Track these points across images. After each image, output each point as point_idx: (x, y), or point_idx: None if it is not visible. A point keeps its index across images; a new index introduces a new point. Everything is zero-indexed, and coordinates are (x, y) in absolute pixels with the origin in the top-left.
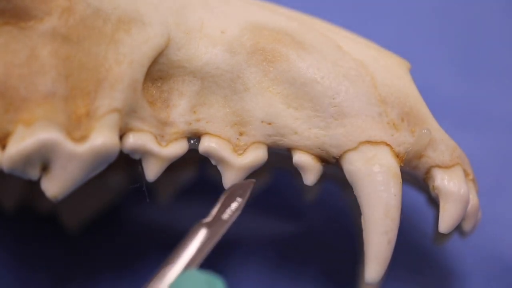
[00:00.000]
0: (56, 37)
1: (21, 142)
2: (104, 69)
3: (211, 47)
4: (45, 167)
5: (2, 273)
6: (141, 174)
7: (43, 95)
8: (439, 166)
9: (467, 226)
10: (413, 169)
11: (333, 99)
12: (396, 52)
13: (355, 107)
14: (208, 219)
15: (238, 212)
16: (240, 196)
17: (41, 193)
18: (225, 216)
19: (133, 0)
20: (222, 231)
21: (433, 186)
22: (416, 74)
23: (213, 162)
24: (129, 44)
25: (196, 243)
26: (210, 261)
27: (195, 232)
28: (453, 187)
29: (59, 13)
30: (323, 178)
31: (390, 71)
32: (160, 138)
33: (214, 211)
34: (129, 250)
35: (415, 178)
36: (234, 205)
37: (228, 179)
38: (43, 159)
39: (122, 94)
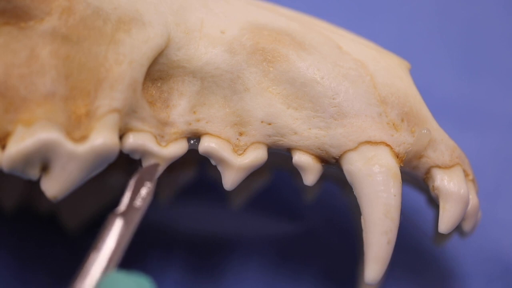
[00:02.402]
0: (56, 37)
1: (21, 142)
2: (104, 69)
3: (211, 47)
4: (45, 167)
5: (2, 273)
6: None
7: (43, 95)
8: (439, 166)
9: (467, 227)
10: (413, 169)
11: (333, 99)
12: (396, 52)
13: (355, 107)
14: (121, 208)
15: (150, 197)
16: (148, 180)
17: (41, 193)
18: (138, 203)
19: (133, 0)
20: (137, 219)
21: (433, 186)
22: (416, 74)
23: (213, 162)
24: (129, 44)
25: (114, 235)
26: (210, 261)
27: (111, 223)
28: (453, 187)
29: (59, 13)
30: (323, 178)
31: (390, 71)
32: (160, 138)
33: (126, 199)
34: (129, 250)
35: (415, 178)
36: (144, 191)
37: (228, 179)
38: (43, 159)
39: (122, 94)
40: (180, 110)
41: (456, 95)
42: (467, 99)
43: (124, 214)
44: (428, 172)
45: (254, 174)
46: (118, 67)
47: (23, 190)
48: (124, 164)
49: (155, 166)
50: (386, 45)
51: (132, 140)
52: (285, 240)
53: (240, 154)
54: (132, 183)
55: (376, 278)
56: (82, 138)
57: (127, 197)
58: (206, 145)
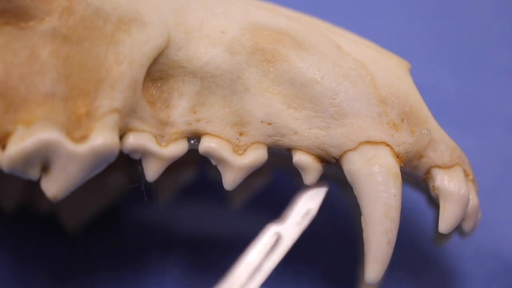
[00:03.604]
0: (56, 37)
1: (21, 142)
2: (104, 69)
3: (211, 47)
4: (45, 167)
5: (2, 273)
6: (141, 174)
7: (43, 95)
8: (439, 166)
9: (467, 226)
10: (413, 169)
11: (333, 99)
12: (396, 52)
13: (355, 107)
14: (280, 221)
15: (310, 217)
16: (313, 204)
17: (41, 193)
18: (297, 219)
19: (133, 0)
20: (295, 236)
21: (433, 186)
22: (416, 74)
23: (213, 162)
24: (129, 44)
25: (265, 247)
26: (210, 261)
27: (266, 234)
28: (453, 187)
29: (59, 13)
30: (323, 178)
31: (390, 71)
32: (160, 138)
33: (288, 214)
34: (129, 250)
35: (415, 178)
36: (305, 210)
37: (228, 179)
38: (43, 159)
39: (122, 94)
40: (180, 110)
41: (456, 95)
42: (467, 99)
43: (285, 229)
44: (428, 172)
45: (254, 174)
46: (118, 67)
47: (23, 190)
48: (124, 164)
49: (324, 186)
50: (386, 45)
51: (132, 140)
52: None
53: (240, 154)
54: (295, 199)
55: (376, 278)
56: (82, 138)
57: (289, 212)
58: (206, 145)
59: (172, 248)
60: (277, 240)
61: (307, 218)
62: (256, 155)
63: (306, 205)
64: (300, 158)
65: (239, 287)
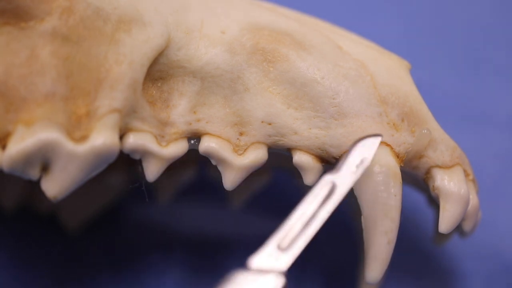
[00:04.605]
0: (56, 37)
1: (21, 142)
2: (104, 69)
3: (211, 48)
4: (45, 167)
5: (2, 273)
6: (141, 174)
7: (43, 95)
8: (439, 166)
9: (467, 226)
10: (413, 169)
11: (333, 99)
12: (396, 52)
13: (355, 107)
14: (335, 171)
15: (364, 166)
16: (367, 150)
17: (41, 193)
18: (352, 168)
19: (133, 0)
20: (349, 185)
21: (433, 186)
22: (416, 74)
23: (213, 162)
24: (129, 44)
25: (319, 196)
26: (210, 261)
27: (321, 184)
28: (453, 187)
29: (59, 13)
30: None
31: (390, 71)
32: (160, 138)
33: (342, 164)
34: (129, 250)
35: (415, 178)
36: (360, 159)
37: (228, 179)
38: (43, 159)
39: (122, 94)
40: (180, 110)
41: (456, 95)
42: (467, 99)
43: (340, 178)
44: (428, 172)
45: (254, 174)
46: (118, 67)
47: (23, 190)
48: (124, 164)
49: (377, 136)
50: (386, 45)
51: (132, 140)
52: None
53: (240, 154)
54: (353, 148)
55: (377, 278)
56: (82, 138)
57: (343, 163)
58: (207, 145)
59: (172, 248)
60: (331, 189)
61: (362, 167)
62: (256, 155)
63: (361, 155)
64: (300, 158)
65: (294, 235)
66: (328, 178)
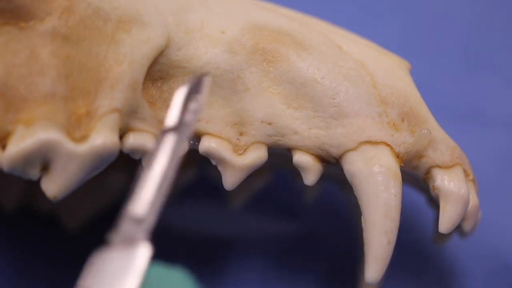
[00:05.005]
0: (56, 37)
1: (21, 142)
2: (104, 69)
3: (211, 47)
4: (45, 167)
5: (2, 273)
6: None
7: (43, 95)
8: (439, 166)
9: (467, 226)
10: (413, 169)
11: (333, 99)
12: (396, 52)
13: (355, 107)
14: (171, 123)
15: (200, 112)
16: (197, 94)
17: (41, 193)
18: (188, 118)
19: (133, 0)
20: (187, 134)
21: (433, 186)
22: (416, 74)
23: (214, 162)
24: (129, 44)
25: (166, 151)
26: (210, 261)
27: (163, 139)
28: (453, 187)
29: (60, 13)
30: (323, 178)
31: (390, 71)
32: None
33: (174, 114)
34: None
35: (415, 178)
36: (193, 105)
37: (228, 179)
38: (43, 159)
39: (122, 94)
40: None
41: (456, 95)
42: (467, 99)
43: (175, 129)
44: (428, 172)
45: (254, 174)
46: (118, 67)
47: (23, 190)
48: (124, 164)
49: (204, 77)
50: (386, 45)
51: (133, 140)
52: (285, 240)
53: (240, 154)
54: (179, 97)
55: (377, 278)
56: (82, 138)
57: (176, 111)
58: (207, 145)
59: (172, 248)
60: (175, 142)
61: (198, 113)
62: (256, 155)
63: (192, 101)
64: (300, 158)
65: (147, 202)
66: (170, 137)
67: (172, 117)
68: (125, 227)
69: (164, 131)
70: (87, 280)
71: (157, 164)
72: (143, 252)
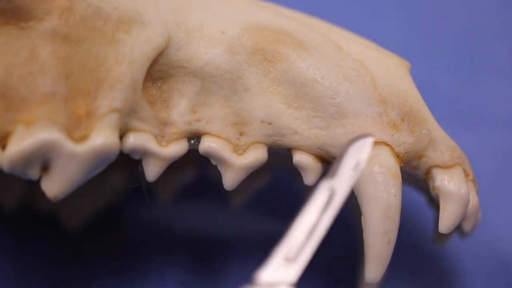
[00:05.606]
0: (56, 37)
1: (21, 142)
2: (104, 69)
3: (211, 47)
4: (45, 167)
5: (2, 273)
6: (141, 174)
7: (43, 95)
8: (439, 166)
9: (467, 226)
10: (413, 169)
11: (333, 99)
12: (396, 52)
13: (355, 107)
14: (331, 177)
15: (360, 168)
16: (359, 156)
17: (41, 193)
18: (349, 172)
19: (133, 0)
20: (348, 188)
21: (433, 186)
22: (416, 74)
23: (213, 162)
24: (129, 44)
25: (320, 204)
26: (210, 261)
27: (320, 191)
28: (453, 187)
29: (59, 13)
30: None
31: (390, 71)
32: (160, 138)
33: (338, 169)
34: (129, 250)
35: (415, 178)
36: (355, 162)
37: (228, 179)
38: (43, 159)
39: (122, 94)
40: (181, 110)
41: (456, 95)
42: (467, 99)
43: (338, 183)
44: (428, 172)
45: (254, 174)
46: (118, 67)
47: (23, 190)
48: (124, 164)
49: (368, 137)
50: (386, 45)
51: (132, 140)
52: None
53: (240, 154)
54: (346, 153)
55: (377, 278)
56: (83, 138)
57: (337, 166)
58: (207, 145)
59: (172, 248)
60: (331, 195)
61: (358, 169)
62: (256, 155)
63: (355, 157)
64: (300, 158)
65: (299, 245)
66: (326, 184)
67: (337, 170)
68: (273, 267)
69: (323, 181)
70: None
71: (311, 211)
72: None
